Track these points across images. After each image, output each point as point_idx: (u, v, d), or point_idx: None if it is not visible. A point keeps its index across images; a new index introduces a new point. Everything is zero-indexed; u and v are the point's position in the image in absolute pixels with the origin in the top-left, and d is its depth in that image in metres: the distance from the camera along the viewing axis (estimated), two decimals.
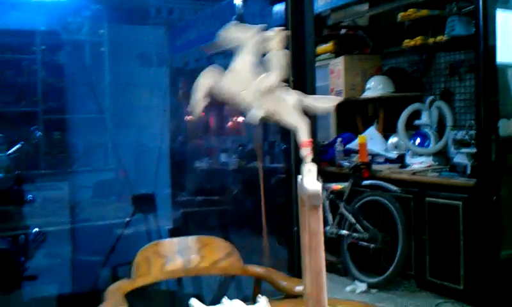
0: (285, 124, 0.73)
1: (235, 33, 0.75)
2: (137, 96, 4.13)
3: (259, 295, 1.31)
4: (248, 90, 0.73)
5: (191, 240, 2.09)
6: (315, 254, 0.63)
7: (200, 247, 2.07)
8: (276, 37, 0.71)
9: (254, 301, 1.25)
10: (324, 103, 0.75)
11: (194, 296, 1.29)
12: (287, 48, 0.77)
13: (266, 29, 0.78)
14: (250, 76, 0.73)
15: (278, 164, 4.94)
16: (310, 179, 0.65)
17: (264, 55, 0.75)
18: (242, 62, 0.74)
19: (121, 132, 4.19)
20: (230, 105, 0.79)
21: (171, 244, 2.07)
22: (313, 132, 2.71)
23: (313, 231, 0.62)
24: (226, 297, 1.27)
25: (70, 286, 3.06)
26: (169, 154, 4.22)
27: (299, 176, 0.68)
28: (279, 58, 0.72)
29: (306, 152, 0.67)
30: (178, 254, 2.03)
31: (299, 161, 0.73)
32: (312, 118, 2.71)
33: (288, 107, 0.72)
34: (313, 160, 0.67)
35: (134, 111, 4.19)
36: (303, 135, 0.70)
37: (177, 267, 2.02)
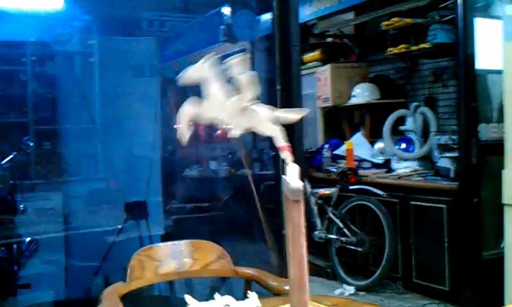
0: (262, 134, 0.82)
1: (193, 75, 0.84)
2: (128, 106, 4.19)
3: (249, 292, 1.39)
4: (224, 113, 0.82)
5: (183, 244, 2.16)
6: (297, 243, 0.71)
7: (191, 251, 2.15)
8: (238, 62, 0.80)
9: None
10: (292, 114, 0.83)
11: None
12: (253, 68, 0.86)
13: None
14: (223, 100, 0.82)
15: (267, 171, 5.03)
16: (292, 177, 0.74)
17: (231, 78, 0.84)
18: (213, 90, 0.83)
19: (113, 141, 4.25)
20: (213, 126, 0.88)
21: (165, 248, 2.14)
22: (299, 139, 2.80)
23: (295, 222, 0.71)
24: (217, 293, 1.35)
25: (63, 293, 3.11)
26: (160, 162, 4.29)
27: (283, 176, 0.77)
28: (247, 80, 0.81)
29: (286, 155, 0.76)
30: (171, 258, 2.11)
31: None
32: (298, 125, 2.80)
33: (263, 120, 0.81)
34: (295, 162, 0.75)
35: (125, 121, 4.25)
36: (280, 142, 0.79)
37: (170, 270, 2.09)
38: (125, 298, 1.90)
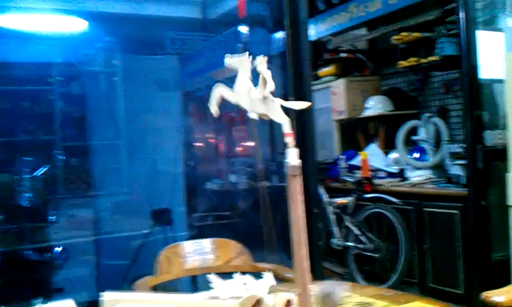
0: (273, 120, 1.04)
1: (232, 63, 1.09)
2: (152, 122, 4.40)
3: (265, 271, 1.58)
4: (247, 98, 1.05)
5: (206, 242, 2.37)
6: (295, 208, 0.92)
7: (214, 248, 2.35)
8: (261, 61, 1.04)
9: None
10: (298, 104, 1.06)
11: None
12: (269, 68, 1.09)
13: (252, 54, 1.12)
14: (246, 89, 1.06)
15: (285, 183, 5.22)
16: (292, 157, 0.95)
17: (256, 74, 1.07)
18: (240, 80, 1.07)
19: (139, 156, 4.45)
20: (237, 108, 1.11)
21: (189, 245, 2.34)
22: (311, 148, 2.99)
23: (293, 192, 0.91)
24: (237, 273, 1.54)
25: (96, 293, 3.32)
26: (184, 174, 4.49)
27: (286, 160, 0.98)
28: (267, 76, 1.04)
29: (289, 140, 0.98)
30: (195, 254, 2.31)
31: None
32: (310, 136, 2.97)
33: (275, 109, 1.03)
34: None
35: (149, 136, 4.47)
36: (287, 129, 1.01)
37: (195, 266, 2.30)
38: (153, 290, 2.11)
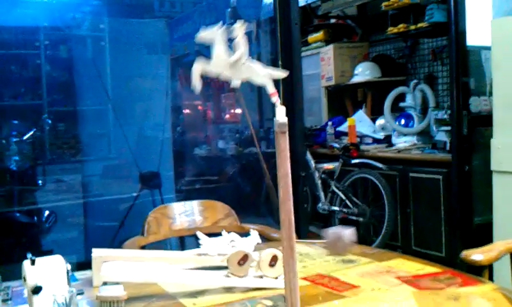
0: (256, 83, 1.07)
1: (205, 36, 1.11)
2: (140, 87, 4.39)
3: (251, 229, 1.62)
4: (226, 70, 1.08)
5: (194, 204, 2.40)
6: (283, 164, 0.94)
7: (202, 210, 2.39)
8: (239, 28, 1.06)
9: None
10: (278, 72, 1.09)
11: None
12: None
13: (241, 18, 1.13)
14: (226, 58, 1.09)
15: (274, 149, 5.26)
16: (280, 115, 0.97)
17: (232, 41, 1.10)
18: (217, 51, 1.09)
19: (127, 121, 4.44)
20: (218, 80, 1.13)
21: (177, 206, 2.38)
22: (299, 114, 3.01)
23: (282, 148, 0.93)
24: (224, 230, 1.58)
25: (85, 254, 3.36)
26: (172, 139, 4.51)
27: (275, 118, 1.00)
28: (242, 41, 1.07)
29: (275, 99, 1.01)
30: (183, 216, 2.35)
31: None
32: (299, 102, 2.99)
33: (256, 72, 1.06)
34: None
35: (137, 100, 4.46)
36: (271, 89, 1.03)
37: (183, 227, 2.34)
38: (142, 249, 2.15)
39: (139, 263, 1.51)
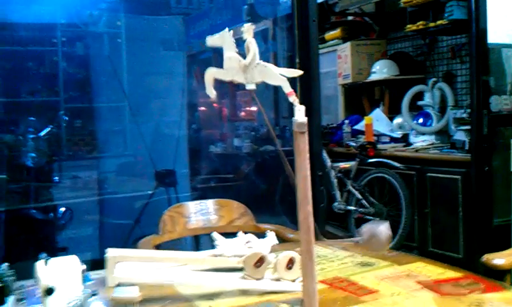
0: (272, 84, 1.04)
1: (214, 41, 1.09)
2: (156, 84, 4.38)
3: (268, 231, 1.59)
4: (238, 74, 1.06)
5: (210, 203, 2.38)
6: (303, 165, 0.91)
7: (217, 208, 2.37)
8: (247, 29, 1.04)
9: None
10: (292, 72, 1.06)
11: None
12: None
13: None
14: (236, 62, 1.06)
15: (290, 147, 5.23)
16: (299, 115, 0.94)
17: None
18: (227, 56, 1.07)
19: (143, 118, 4.44)
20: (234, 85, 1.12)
21: (193, 205, 2.36)
22: (317, 112, 2.97)
23: (301, 149, 0.90)
24: (240, 230, 1.56)
25: (99, 252, 3.36)
26: (187, 137, 4.50)
27: (293, 118, 0.97)
28: (252, 43, 1.04)
29: (293, 99, 0.98)
30: (198, 214, 2.33)
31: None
32: (316, 100, 2.95)
33: (271, 73, 1.04)
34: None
35: (153, 98, 4.46)
36: (287, 89, 1.01)
37: (198, 226, 2.32)
38: (157, 248, 2.14)
39: (154, 264, 1.49)
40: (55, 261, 1.22)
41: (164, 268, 1.49)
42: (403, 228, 4.28)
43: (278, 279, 1.41)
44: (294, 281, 1.40)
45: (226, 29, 1.11)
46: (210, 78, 1.09)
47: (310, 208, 0.93)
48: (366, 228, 1.57)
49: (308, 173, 0.92)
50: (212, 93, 1.10)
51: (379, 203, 4.51)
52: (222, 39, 1.09)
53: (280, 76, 1.01)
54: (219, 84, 1.10)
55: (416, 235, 4.36)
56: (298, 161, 0.92)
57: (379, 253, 1.59)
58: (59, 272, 1.19)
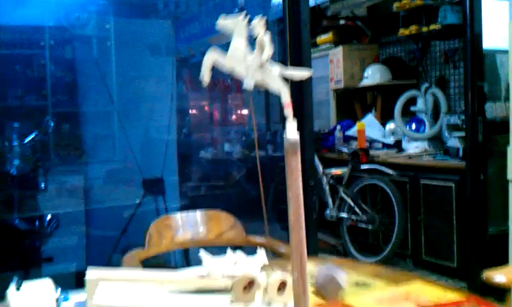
0: (271, 89, 0.93)
1: (226, 24, 0.97)
2: (145, 88, 4.30)
3: (258, 248, 1.51)
4: (242, 65, 0.95)
5: (198, 214, 2.29)
6: (295, 184, 0.83)
7: (206, 221, 2.28)
8: (258, 24, 0.93)
9: None
10: (299, 73, 0.95)
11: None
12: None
13: (247, 16, 1.00)
14: (243, 54, 0.95)
15: (281, 153, 5.15)
16: (291, 132, 0.85)
17: (254, 38, 0.96)
18: (236, 44, 0.96)
19: (131, 123, 4.35)
20: (231, 76, 1.00)
21: (181, 217, 2.27)
22: (309, 117, 2.90)
23: (293, 167, 0.82)
24: (229, 249, 1.47)
25: (85, 264, 3.27)
26: (176, 142, 4.42)
27: (284, 132, 0.88)
28: (266, 40, 0.93)
29: (288, 112, 0.88)
30: (187, 227, 2.24)
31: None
32: (308, 105, 2.88)
33: (274, 77, 0.93)
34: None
35: (142, 102, 4.37)
36: (286, 98, 0.91)
37: (186, 239, 2.23)
38: (144, 263, 2.04)
39: (137, 285, 1.40)
40: (27, 286, 1.13)
41: (148, 290, 1.40)
42: (396, 235, 4.22)
43: (269, 303, 1.33)
44: (286, 304, 1.32)
45: (243, 14, 0.99)
46: (209, 61, 0.98)
47: (302, 233, 0.85)
48: (323, 271, 1.47)
49: (300, 192, 0.84)
50: (206, 77, 0.99)
51: (372, 210, 4.44)
52: (235, 23, 0.97)
53: (281, 82, 0.91)
54: (210, 86, 1.00)
55: (410, 243, 4.29)
56: (290, 180, 0.83)
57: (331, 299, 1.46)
58: (31, 299, 1.10)
